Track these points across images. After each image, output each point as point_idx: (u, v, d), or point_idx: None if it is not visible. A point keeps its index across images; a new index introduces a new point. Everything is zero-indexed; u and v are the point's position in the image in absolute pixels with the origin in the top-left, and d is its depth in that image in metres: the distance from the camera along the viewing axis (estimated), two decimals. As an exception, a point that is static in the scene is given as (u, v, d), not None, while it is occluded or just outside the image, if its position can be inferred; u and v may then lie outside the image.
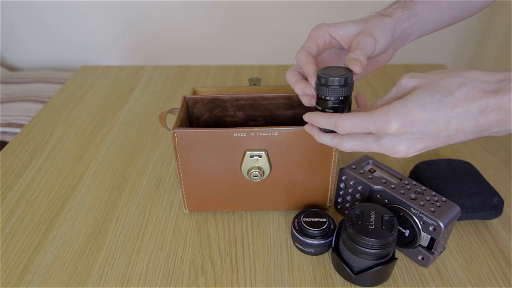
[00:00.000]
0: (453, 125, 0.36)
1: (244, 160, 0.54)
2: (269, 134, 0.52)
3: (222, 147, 0.53)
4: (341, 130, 0.41)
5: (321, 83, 0.43)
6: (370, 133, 0.41)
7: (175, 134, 0.52)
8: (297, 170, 0.56)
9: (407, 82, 0.39)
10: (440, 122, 0.36)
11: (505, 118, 0.35)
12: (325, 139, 0.44)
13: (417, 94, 0.37)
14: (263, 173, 0.55)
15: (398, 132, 0.38)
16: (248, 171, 0.55)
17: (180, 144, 0.53)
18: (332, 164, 0.56)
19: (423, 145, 0.39)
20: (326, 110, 0.44)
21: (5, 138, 1.25)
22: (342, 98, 0.43)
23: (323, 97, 0.43)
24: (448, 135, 0.37)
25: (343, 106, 0.43)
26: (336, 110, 0.43)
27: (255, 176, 0.55)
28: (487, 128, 0.36)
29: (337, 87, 0.42)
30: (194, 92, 0.65)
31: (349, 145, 0.42)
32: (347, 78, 0.42)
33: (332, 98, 0.43)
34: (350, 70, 0.43)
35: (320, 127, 0.44)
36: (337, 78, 0.42)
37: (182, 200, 0.59)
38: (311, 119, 0.44)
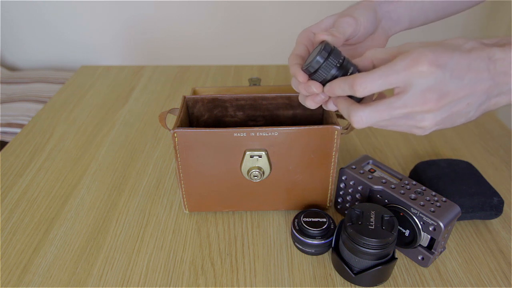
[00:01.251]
0: (473, 69, 0.35)
1: (244, 160, 0.54)
2: (269, 134, 0.52)
3: (222, 147, 0.53)
4: (360, 91, 0.36)
5: (312, 72, 0.39)
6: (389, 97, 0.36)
7: (175, 134, 0.52)
8: (297, 170, 0.56)
9: (410, 43, 0.37)
10: (462, 63, 0.35)
11: (508, 71, 0.35)
12: (341, 106, 0.39)
13: (429, 45, 0.35)
14: (263, 173, 0.55)
15: (428, 72, 0.34)
16: (248, 171, 0.55)
17: (180, 144, 0.53)
18: (332, 164, 0.56)
19: (451, 95, 0.35)
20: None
21: (5, 138, 1.25)
22: (339, 64, 0.39)
23: (326, 79, 0.39)
24: (471, 83, 0.35)
25: (347, 69, 0.39)
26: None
27: (255, 176, 0.55)
28: (496, 84, 0.36)
29: (324, 62, 0.38)
30: (194, 92, 0.65)
31: (365, 114, 0.37)
32: (324, 48, 0.38)
33: (332, 72, 0.39)
34: (322, 41, 0.40)
35: (337, 94, 0.39)
36: (317, 57, 0.38)
37: (182, 200, 0.59)
38: (330, 88, 0.39)
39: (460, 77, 0.35)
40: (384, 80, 0.35)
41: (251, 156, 0.54)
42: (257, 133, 0.52)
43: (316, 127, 0.52)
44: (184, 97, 0.60)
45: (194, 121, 0.63)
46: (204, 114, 0.63)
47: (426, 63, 0.34)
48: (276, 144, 0.53)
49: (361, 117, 0.37)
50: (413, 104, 0.36)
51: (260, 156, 0.54)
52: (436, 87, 0.35)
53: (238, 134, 0.52)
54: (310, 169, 0.56)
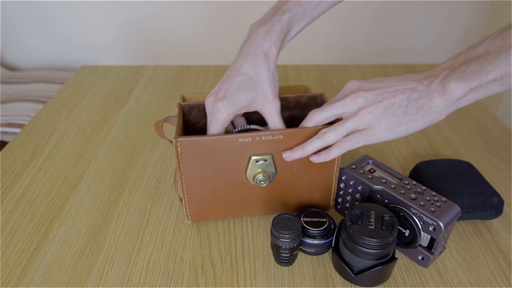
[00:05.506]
0: (400, 82, 0.48)
1: (250, 166, 0.53)
2: (275, 137, 0.51)
3: (226, 154, 0.52)
4: (312, 120, 0.51)
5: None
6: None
7: (178, 144, 0.50)
8: (301, 171, 0.55)
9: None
10: (388, 80, 0.49)
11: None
12: (313, 144, 0.51)
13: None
14: (269, 177, 0.54)
15: (360, 87, 0.49)
16: (254, 176, 0.53)
17: (183, 154, 0.51)
18: (336, 163, 0.56)
19: (379, 93, 0.48)
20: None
21: (5, 138, 1.25)
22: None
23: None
24: (397, 90, 0.47)
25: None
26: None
27: (261, 181, 0.53)
28: (414, 87, 0.47)
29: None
30: (184, 99, 0.63)
31: (330, 135, 0.49)
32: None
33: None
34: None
35: (311, 147, 0.51)
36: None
37: (184, 210, 0.58)
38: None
39: (387, 84, 0.48)
40: (330, 110, 0.50)
41: (257, 161, 0.53)
42: (263, 137, 0.51)
43: (322, 127, 0.51)
44: (180, 104, 0.58)
45: (190, 128, 0.61)
46: (200, 120, 0.61)
47: (355, 82, 0.50)
48: (281, 146, 0.52)
49: (327, 140, 0.50)
50: (354, 113, 0.49)
51: (265, 160, 0.53)
52: (361, 87, 0.50)
53: (243, 140, 0.51)
54: (315, 170, 0.56)
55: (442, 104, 0.45)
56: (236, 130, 0.56)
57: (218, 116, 0.51)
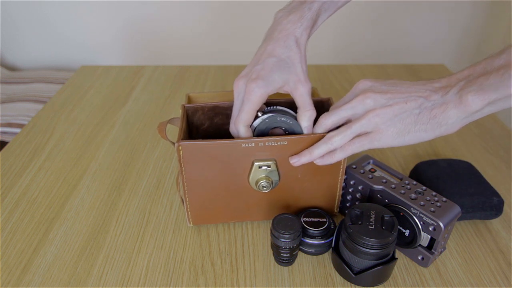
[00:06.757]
0: (413, 88, 0.47)
1: (252, 171, 0.52)
2: (278, 143, 0.50)
3: (229, 159, 0.51)
4: (322, 126, 0.50)
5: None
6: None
7: (180, 147, 0.49)
8: (305, 178, 0.55)
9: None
10: (402, 85, 0.48)
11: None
12: (320, 149, 0.50)
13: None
14: (272, 183, 0.53)
15: (371, 88, 0.48)
16: (257, 182, 0.53)
17: (186, 157, 0.50)
18: (341, 170, 0.55)
19: (390, 97, 0.47)
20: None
21: (5, 138, 1.25)
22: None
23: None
24: (410, 96, 0.46)
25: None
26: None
27: (264, 187, 0.53)
28: (427, 95, 0.46)
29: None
30: (189, 98, 0.63)
31: (337, 139, 0.49)
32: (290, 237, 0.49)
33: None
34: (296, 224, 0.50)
35: (316, 150, 0.50)
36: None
37: (186, 213, 0.58)
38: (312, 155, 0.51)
39: (400, 89, 0.48)
40: (340, 113, 0.49)
41: (260, 167, 0.52)
42: (266, 143, 0.50)
43: (326, 133, 0.51)
44: (184, 106, 0.57)
45: (194, 130, 0.61)
46: (204, 122, 0.61)
47: (367, 82, 0.49)
48: (285, 152, 0.52)
49: (334, 144, 0.49)
50: (363, 114, 0.48)
51: (269, 166, 0.52)
52: (372, 88, 0.48)
53: (247, 145, 0.50)
54: (319, 176, 0.55)
55: (456, 116, 0.44)
56: (265, 110, 0.54)
57: (252, 96, 0.49)
